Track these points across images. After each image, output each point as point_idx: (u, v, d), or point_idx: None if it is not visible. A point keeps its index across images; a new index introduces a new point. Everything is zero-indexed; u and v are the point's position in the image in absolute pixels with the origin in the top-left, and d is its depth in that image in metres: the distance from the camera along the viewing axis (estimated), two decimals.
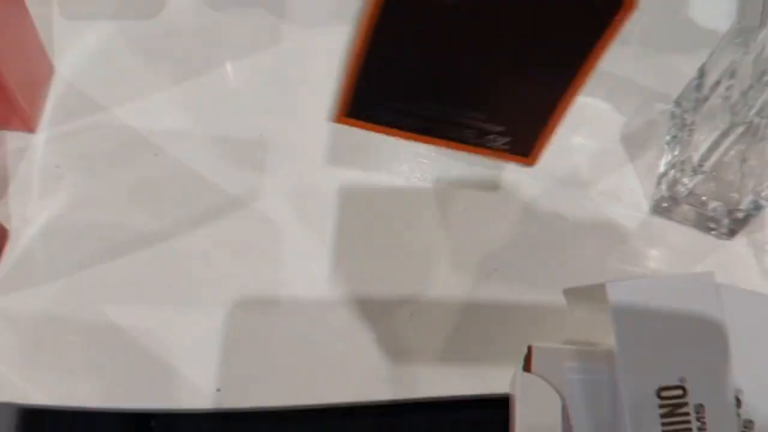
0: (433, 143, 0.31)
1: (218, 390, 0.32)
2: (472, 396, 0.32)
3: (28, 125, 0.38)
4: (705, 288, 0.29)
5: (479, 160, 0.37)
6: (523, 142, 0.31)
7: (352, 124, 0.30)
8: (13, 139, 0.38)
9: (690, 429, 0.28)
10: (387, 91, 0.29)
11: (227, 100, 0.40)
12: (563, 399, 0.30)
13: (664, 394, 0.29)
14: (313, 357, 0.33)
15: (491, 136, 0.31)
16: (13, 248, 0.35)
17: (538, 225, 0.37)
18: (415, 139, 0.31)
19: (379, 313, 0.34)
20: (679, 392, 0.29)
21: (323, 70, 0.41)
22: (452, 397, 0.33)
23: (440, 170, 0.38)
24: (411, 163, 0.38)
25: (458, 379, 0.33)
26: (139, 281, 0.34)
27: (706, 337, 0.29)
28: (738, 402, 0.29)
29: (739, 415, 0.29)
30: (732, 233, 0.37)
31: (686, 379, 0.29)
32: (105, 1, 0.43)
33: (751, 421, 0.29)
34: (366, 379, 0.33)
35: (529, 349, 0.30)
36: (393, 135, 0.31)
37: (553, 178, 0.38)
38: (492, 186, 0.38)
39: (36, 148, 0.37)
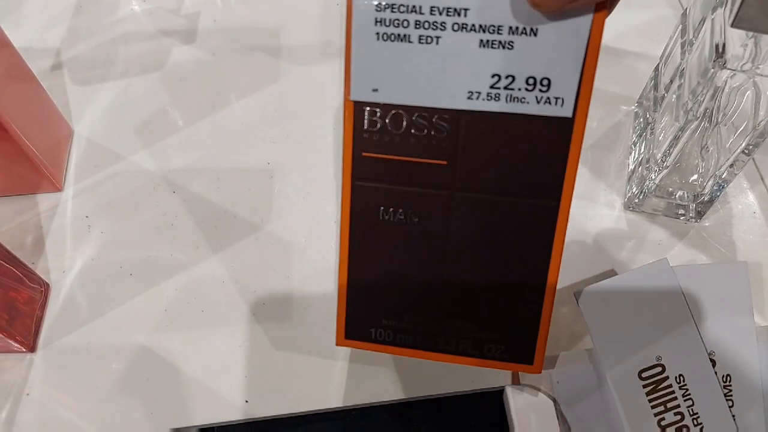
0: (434, 358, 0.30)
1: (246, 402, 0.35)
2: (471, 391, 0.35)
3: (56, 185, 0.42)
4: (662, 273, 0.32)
5: None
6: (521, 347, 0.30)
7: (353, 346, 0.31)
8: (44, 200, 0.42)
9: (675, 397, 0.32)
10: (376, 311, 0.30)
11: (234, 135, 0.44)
12: (556, 402, 0.32)
13: (645, 374, 0.32)
14: (327, 364, 0.36)
15: (488, 346, 0.30)
16: (55, 298, 0.38)
17: None
18: (416, 356, 0.30)
19: None
20: (658, 369, 0.32)
21: (319, 101, 0.45)
22: (454, 392, 0.35)
23: None
24: None
25: (457, 377, 0.35)
26: (168, 309, 0.38)
27: (671, 315, 0.32)
28: (713, 362, 0.32)
29: (716, 372, 0.32)
30: (699, 215, 0.40)
31: (662, 357, 0.32)
32: (111, 64, 0.47)
33: (728, 375, 0.32)
34: (377, 381, 0.35)
35: None
36: (394, 353, 0.31)
37: None
38: None
39: (65, 204, 0.41)
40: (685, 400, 0.32)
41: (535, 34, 0.24)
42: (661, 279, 0.32)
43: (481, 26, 0.24)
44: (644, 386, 0.32)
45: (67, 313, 0.38)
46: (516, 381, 0.33)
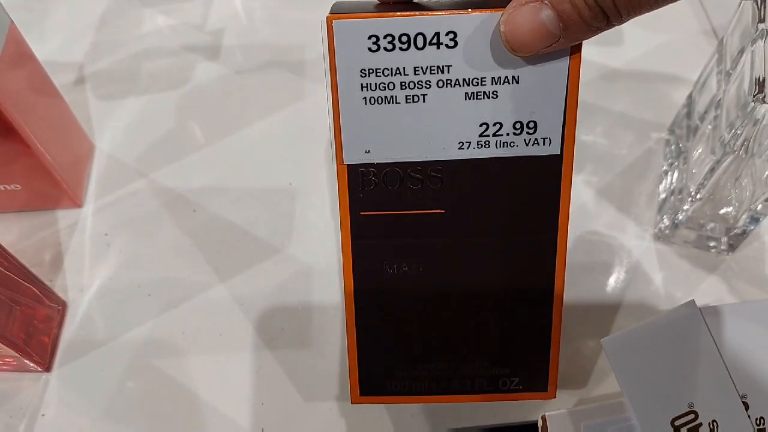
0: (452, 401, 0.30)
1: (263, 430, 0.34)
2: (498, 425, 0.34)
3: (76, 202, 0.41)
4: (689, 316, 0.31)
5: None
6: (534, 376, 0.30)
7: (369, 402, 0.30)
8: (64, 216, 0.41)
9: None
10: (388, 365, 0.30)
11: (256, 154, 0.44)
12: None
13: (678, 423, 0.31)
14: (347, 394, 0.35)
15: (502, 380, 0.30)
16: (72, 317, 0.38)
17: None
18: (434, 401, 0.30)
19: None
20: (691, 417, 0.31)
21: None
22: (482, 426, 0.34)
23: None
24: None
25: (481, 410, 0.35)
26: (185, 332, 0.37)
27: (701, 359, 0.31)
28: (745, 405, 0.31)
29: (749, 416, 0.31)
30: (731, 248, 0.39)
31: (694, 404, 0.31)
32: (133, 79, 0.47)
33: (761, 418, 0.31)
34: (395, 413, 0.35)
35: (543, 419, 0.31)
36: (411, 402, 0.31)
37: None
38: None
39: (85, 221, 0.41)
40: None
41: (517, 82, 0.25)
42: (689, 322, 0.31)
43: (465, 80, 0.25)
44: None
45: (84, 333, 0.37)
46: None
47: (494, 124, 0.26)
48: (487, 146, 0.26)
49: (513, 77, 0.25)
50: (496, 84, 0.25)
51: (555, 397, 0.30)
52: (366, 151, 0.26)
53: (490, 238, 0.28)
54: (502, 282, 0.29)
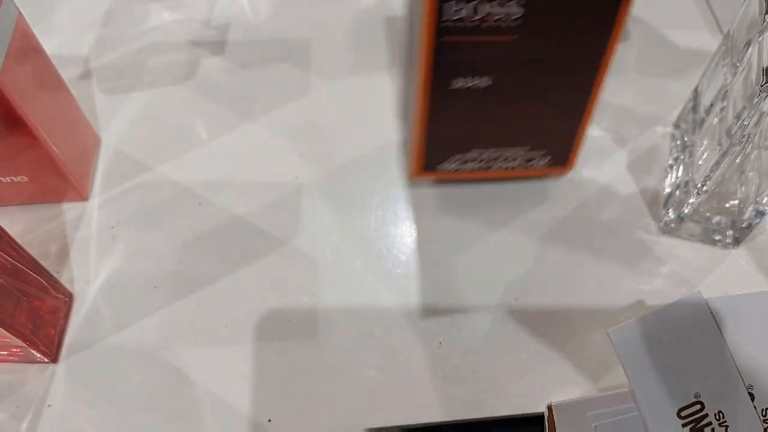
0: (489, 177, 0.40)
1: (269, 421, 0.34)
2: (504, 416, 0.34)
3: (82, 195, 0.41)
4: (695, 307, 0.31)
5: (498, 196, 0.40)
6: (561, 155, 0.39)
7: (425, 177, 0.40)
8: (70, 209, 0.41)
9: None
10: (446, 151, 0.38)
11: (262, 148, 0.44)
12: None
13: (684, 413, 0.31)
14: (353, 384, 0.35)
15: (536, 159, 0.39)
16: (79, 308, 0.38)
17: (555, 254, 0.39)
18: (475, 177, 0.40)
19: (411, 342, 0.36)
20: (697, 407, 0.31)
21: (349, 116, 0.45)
22: (485, 418, 0.34)
23: (459, 207, 0.41)
24: (435, 200, 0.41)
25: (490, 401, 0.35)
26: (192, 323, 0.37)
27: (707, 349, 0.31)
28: (751, 396, 0.31)
29: (755, 407, 0.31)
30: (737, 242, 0.39)
31: (700, 394, 0.31)
32: (139, 73, 0.47)
33: (767, 409, 0.31)
34: (399, 404, 0.35)
35: (549, 408, 0.31)
36: (458, 178, 0.39)
37: (567, 208, 0.41)
38: (508, 219, 0.41)
39: (91, 214, 0.41)
40: None
41: None
42: (694, 312, 0.31)
43: None
44: (684, 425, 0.31)
45: (91, 325, 0.37)
46: (551, 428, 0.32)
47: None
48: None
49: None
50: None
51: (571, 169, 0.40)
52: None
53: (550, 54, 0.33)
54: (553, 88, 0.35)
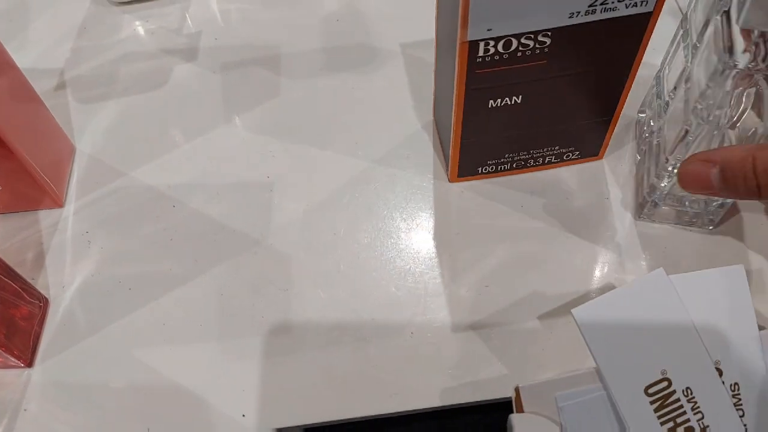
0: (522, 173, 0.42)
1: (244, 416, 0.35)
2: (473, 402, 0.35)
3: (57, 202, 0.42)
4: (659, 284, 0.31)
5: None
6: (591, 148, 0.41)
7: (463, 179, 0.42)
8: (45, 216, 0.42)
9: (685, 411, 0.31)
10: (482, 157, 0.40)
11: (235, 150, 0.44)
12: (562, 427, 0.31)
13: (651, 390, 0.31)
14: (326, 377, 0.36)
15: (567, 155, 0.41)
16: (54, 313, 0.38)
17: (528, 243, 0.40)
18: (509, 174, 0.42)
19: (383, 333, 0.37)
20: (665, 384, 0.31)
21: (319, 115, 0.45)
22: (456, 404, 0.35)
23: (430, 200, 0.41)
24: (405, 193, 0.42)
25: (459, 388, 0.35)
26: (166, 323, 0.37)
27: (672, 326, 0.31)
28: (719, 371, 0.31)
29: (723, 382, 0.31)
30: (712, 223, 0.39)
31: (667, 371, 0.31)
32: (113, 83, 0.48)
33: (736, 384, 0.31)
34: (375, 394, 0.35)
35: (517, 390, 0.31)
36: (495, 176, 0.42)
37: (542, 194, 0.41)
38: (481, 210, 0.41)
39: (66, 220, 0.42)
40: (694, 414, 0.31)
41: None
42: (658, 290, 0.32)
43: None
44: (651, 402, 0.31)
45: (66, 328, 0.38)
46: (519, 410, 0.32)
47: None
48: (593, 13, 0.31)
49: None
50: None
51: (602, 158, 0.42)
52: (488, 29, 0.31)
53: (580, 72, 0.34)
54: (583, 101, 0.37)
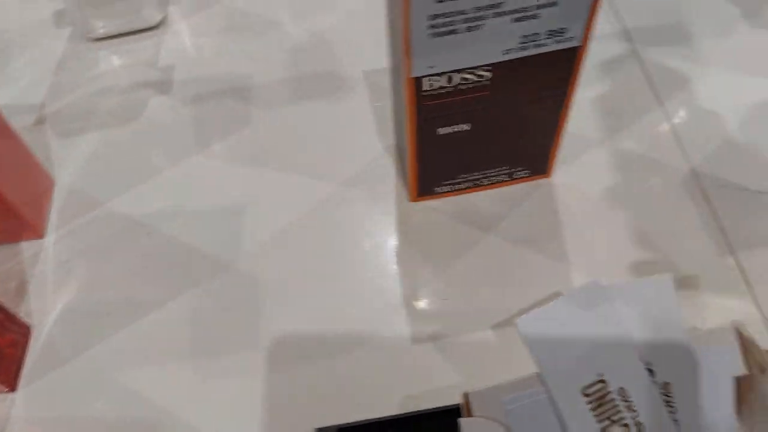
0: (477, 191, 0.44)
1: None
2: (430, 409, 0.36)
3: (38, 233, 0.44)
4: (594, 294, 0.34)
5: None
6: (540, 165, 0.44)
7: (423, 199, 0.44)
8: (27, 248, 0.44)
9: (620, 410, 0.33)
10: (437, 179, 0.43)
11: (207, 177, 0.47)
12: (508, 428, 0.33)
13: (588, 391, 0.33)
14: (298, 388, 0.38)
15: (517, 173, 0.44)
16: (37, 339, 0.40)
17: (484, 257, 0.42)
18: (466, 193, 0.44)
19: (347, 349, 0.39)
20: (600, 386, 0.33)
21: (288, 142, 0.48)
22: (413, 412, 0.36)
23: (392, 219, 0.44)
24: (369, 213, 0.44)
25: (417, 397, 0.37)
26: (145, 347, 0.40)
27: (607, 331, 0.34)
28: (651, 372, 0.33)
29: (655, 382, 0.33)
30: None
31: (603, 373, 0.33)
32: (91, 117, 0.50)
33: (667, 383, 0.33)
34: (339, 405, 0.37)
35: (465, 395, 0.34)
36: (452, 195, 0.44)
37: (496, 211, 0.44)
38: (439, 227, 0.43)
39: (47, 250, 0.44)
40: (629, 411, 0.33)
41: (555, 4, 0.32)
42: (594, 299, 0.34)
43: (515, 9, 0.32)
44: (589, 402, 0.33)
45: (48, 354, 0.40)
46: (468, 414, 0.34)
47: (533, 35, 0.33)
48: (525, 49, 0.34)
49: (552, 2, 0.32)
50: (539, 9, 0.32)
51: (550, 177, 0.45)
52: (429, 67, 0.34)
53: (520, 99, 0.37)
54: (526, 124, 0.39)
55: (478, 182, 0.44)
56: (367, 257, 0.42)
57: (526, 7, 0.31)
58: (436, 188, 0.44)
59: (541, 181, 0.45)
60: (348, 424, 0.36)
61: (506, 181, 0.44)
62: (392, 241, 0.43)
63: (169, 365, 0.39)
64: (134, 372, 0.39)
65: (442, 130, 0.38)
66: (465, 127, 0.38)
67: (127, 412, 0.38)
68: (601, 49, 0.51)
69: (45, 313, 0.41)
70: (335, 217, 0.44)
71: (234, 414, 0.37)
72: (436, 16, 0.31)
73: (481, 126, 0.39)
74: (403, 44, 0.32)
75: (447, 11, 0.31)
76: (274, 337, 0.39)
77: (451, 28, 0.32)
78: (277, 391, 0.38)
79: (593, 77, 0.50)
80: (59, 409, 0.38)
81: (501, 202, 0.44)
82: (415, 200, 0.44)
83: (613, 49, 0.51)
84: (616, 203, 0.43)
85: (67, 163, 0.48)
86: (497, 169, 0.43)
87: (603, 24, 0.53)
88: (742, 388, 0.34)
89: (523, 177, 0.44)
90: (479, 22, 0.32)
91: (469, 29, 0.32)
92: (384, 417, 0.36)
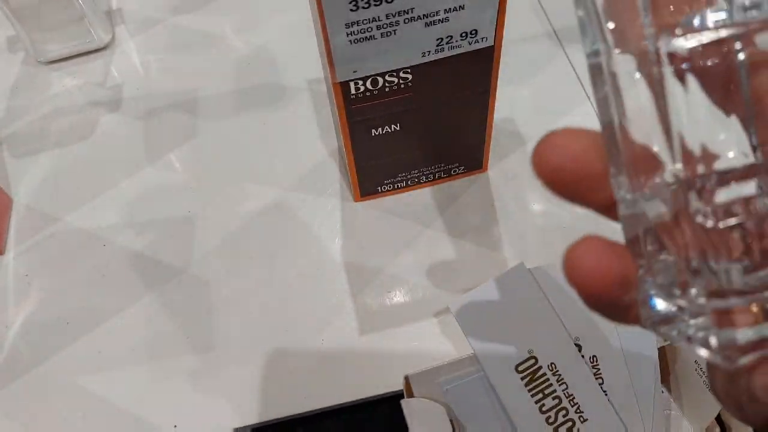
0: (418, 188, 0.47)
1: (175, 426, 0.39)
2: (378, 395, 0.39)
3: None
4: (520, 276, 0.37)
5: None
6: (475, 161, 0.47)
7: (367, 199, 0.47)
8: None
9: (551, 384, 0.36)
10: (378, 179, 0.45)
11: (158, 189, 0.49)
12: (447, 406, 0.36)
13: (521, 368, 0.36)
14: (248, 386, 0.40)
15: (454, 169, 0.47)
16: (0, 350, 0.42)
17: (425, 250, 0.45)
18: (406, 190, 0.47)
19: (297, 342, 0.41)
20: (532, 362, 0.36)
21: (233, 151, 0.50)
22: (361, 399, 0.39)
23: (338, 220, 0.46)
24: (316, 214, 0.46)
25: (365, 385, 0.39)
26: (101, 351, 0.42)
27: (536, 311, 0.36)
28: (579, 347, 0.36)
29: (583, 356, 0.36)
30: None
31: (533, 350, 0.36)
32: (45, 138, 0.52)
33: (594, 356, 0.36)
34: (291, 396, 0.39)
35: (406, 378, 0.36)
36: (396, 194, 0.47)
37: (436, 206, 0.46)
38: (383, 224, 0.46)
39: (7, 266, 0.46)
40: (560, 385, 0.36)
41: (462, 8, 0.34)
42: (521, 281, 0.37)
43: (424, 14, 0.34)
44: (522, 378, 0.36)
45: (11, 364, 0.42)
46: (409, 394, 0.36)
47: (447, 37, 0.35)
48: (442, 51, 0.36)
49: (460, 6, 0.34)
50: (447, 12, 0.34)
51: (486, 170, 0.47)
52: (354, 71, 0.36)
53: (445, 98, 0.40)
54: (454, 120, 0.42)
55: (417, 180, 0.46)
56: (314, 257, 0.45)
57: (435, 12, 0.34)
58: (378, 187, 0.46)
59: (480, 176, 0.47)
60: (266, 422, 0.38)
61: (444, 177, 0.47)
62: (338, 240, 0.45)
63: (125, 368, 0.41)
64: (95, 377, 0.41)
65: (374, 132, 0.41)
66: (395, 127, 0.41)
67: (89, 416, 0.40)
68: (531, 48, 0.54)
69: (7, 325, 0.43)
70: (283, 220, 0.46)
71: (185, 409, 0.39)
72: (351, 24, 0.33)
73: (410, 126, 0.41)
74: (325, 51, 0.34)
75: (360, 19, 0.33)
76: (225, 338, 0.42)
77: (368, 34, 0.34)
78: (229, 387, 0.40)
79: (527, 75, 0.53)
80: (23, 417, 0.40)
81: (440, 198, 0.47)
82: (359, 200, 0.47)
83: (543, 48, 0.54)
84: (549, 194, 0.46)
85: (24, 182, 0.50)
86: (434, 167, 0.46)
87: (535, 25, 0.56)
88: (667, 357, 0.37)
89: (461, 173, 0.47)
90: (393, 28, 0.34)
91: (384, 35, 0.34)
92: (327, 407, 0.39)
